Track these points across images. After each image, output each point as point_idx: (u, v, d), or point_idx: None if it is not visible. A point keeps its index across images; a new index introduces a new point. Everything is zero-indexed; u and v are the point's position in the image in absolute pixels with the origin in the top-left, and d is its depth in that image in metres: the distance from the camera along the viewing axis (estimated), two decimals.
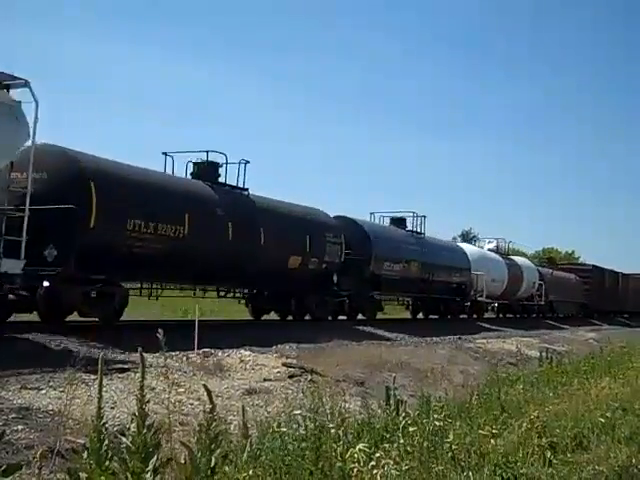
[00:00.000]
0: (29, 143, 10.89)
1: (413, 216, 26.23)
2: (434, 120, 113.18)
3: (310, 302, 19.23)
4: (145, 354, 3.69)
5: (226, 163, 16.76)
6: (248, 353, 11.07)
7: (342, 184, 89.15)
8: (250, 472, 4.19)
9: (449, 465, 5.30)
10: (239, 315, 20.27)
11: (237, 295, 19.16)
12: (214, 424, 3.41)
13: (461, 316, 29.52)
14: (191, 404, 7.49)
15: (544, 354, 15.14)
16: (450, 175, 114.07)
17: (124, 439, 3.37)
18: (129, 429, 3.50)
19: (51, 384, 7.49)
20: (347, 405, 6.86)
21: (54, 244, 11.73)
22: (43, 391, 7.19)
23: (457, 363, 14.22)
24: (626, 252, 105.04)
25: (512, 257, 36.12)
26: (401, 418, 6.17)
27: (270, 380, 9.65)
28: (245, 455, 4.47)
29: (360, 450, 4.68)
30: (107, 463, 3.36)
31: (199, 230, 14.49)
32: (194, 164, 16.54)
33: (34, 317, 12.86)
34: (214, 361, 10.14)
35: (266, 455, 4.90)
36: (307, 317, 19.53)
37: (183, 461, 3.44)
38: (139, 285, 15.24)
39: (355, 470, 4.44)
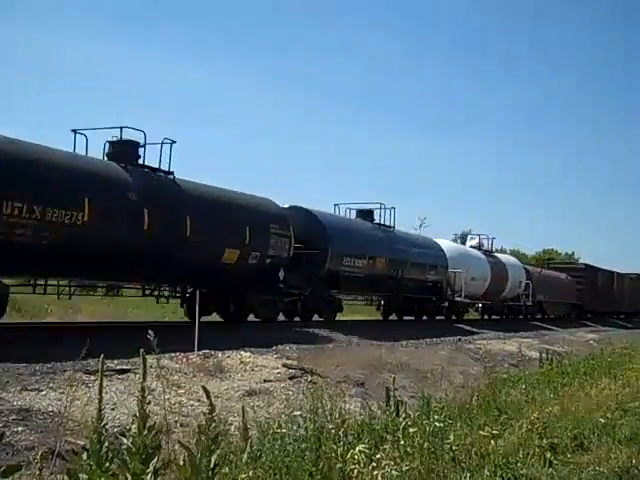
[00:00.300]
0: None
1: (381, 208, 23.45)
2: (434, 120, 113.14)
3: (252, 301, 17.04)
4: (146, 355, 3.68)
5: (145, 143, 14.43)
6: (248, 354, 11.06)
7: (342, 184, 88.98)
8: (250, 473, 4.19)
9: (449, 466, 5.31)
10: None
11: (165, 294, 16.62)
12: (213, 425, 3.41)
13: (438, 317, 27.00)
14: (191, 405, 7.49)
15: (544, 355, 15.15)
16: (450, 175, 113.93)
17: (124, 440, 3.37)
18: (129, 430, 3.50)
19: (51, 385, 7.48)
20: (347, 406, 6.86)
21: None
22: (43, 392, 7.18)
23: (457, 364, 14.22)
24: (627, 252, 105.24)
25: (496, 254, 33.89)
26: (401, 419, 6.17)
27: (270, 381, 9.64)
28: (245, 456, 4.47)
29: (360, 451, 4.68)
30: (107, 464, 3.35)
31: (104, 217, 12.59)
32: (110, 143, 14.30)
33: None
34: (214, 362, 10.13)
35: (266, 456, 4.91)
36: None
37: (182, 462, 3.43)
38: (31, 282, 13.53)
39: (355, 471, 4.44)
